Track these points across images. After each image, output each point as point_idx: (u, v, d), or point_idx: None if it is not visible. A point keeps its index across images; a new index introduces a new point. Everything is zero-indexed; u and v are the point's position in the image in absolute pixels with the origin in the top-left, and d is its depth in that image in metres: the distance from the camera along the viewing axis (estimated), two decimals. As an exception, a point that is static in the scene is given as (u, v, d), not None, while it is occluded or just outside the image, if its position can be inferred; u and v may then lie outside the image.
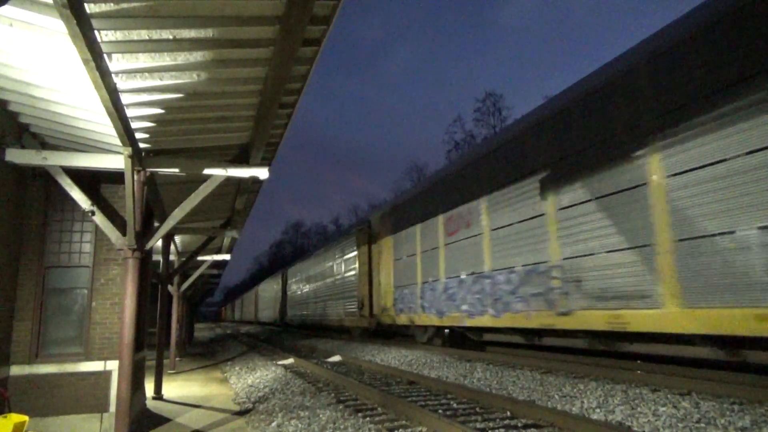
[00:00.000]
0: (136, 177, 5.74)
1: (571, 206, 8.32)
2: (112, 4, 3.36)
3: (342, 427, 5.75)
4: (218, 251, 15.44)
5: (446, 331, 13.49)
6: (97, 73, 3.69)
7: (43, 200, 6.60)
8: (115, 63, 4.02)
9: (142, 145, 5.79)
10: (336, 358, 13.66)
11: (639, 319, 6.88)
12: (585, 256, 7.92)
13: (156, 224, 8.46)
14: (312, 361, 12.93)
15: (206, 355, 19.87)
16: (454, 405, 6.71)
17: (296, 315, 30.01)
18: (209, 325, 78.72)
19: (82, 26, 3.18)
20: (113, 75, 4.13)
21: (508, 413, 6.01)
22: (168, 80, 4.36)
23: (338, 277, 21.04)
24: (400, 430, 5.52)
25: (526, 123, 9.90)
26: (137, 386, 7.28)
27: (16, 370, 6.13)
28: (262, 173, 6.51)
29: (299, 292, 29.52)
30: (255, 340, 26.21)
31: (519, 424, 5.51)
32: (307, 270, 27.79)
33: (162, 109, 4.94)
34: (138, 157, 5.64)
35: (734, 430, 4.69)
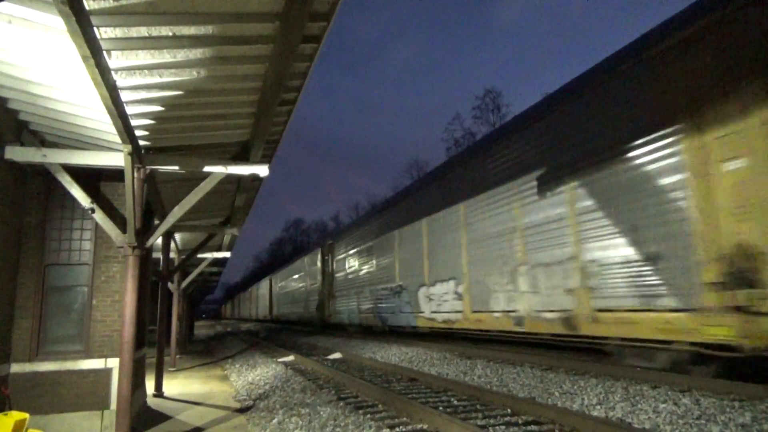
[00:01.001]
0: (136, 174, 5.73)
1: None
2: (111, 1, 3.35)
3: (343, 424, 5.76)
4: (218, 249, 15.45)
5: None
6: (97, 71, 3.67)
7: (43, 198, 6.60)
8: (115, 60, 4.01)
9: (141, 143, 5.77)
10: (336, 356, 13.67)
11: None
12: None
13: (156, 222, 8.46)
14: (312, 359, 12.94)
15: (206, 352, 19.90)
16: (455, 402, 6.71)
17: (363, 310, 17.83)
18: (209, 323, 78.86)
19: (81, 23, 3.17)
20: (113, 72, 4.11)
21: (509, 410, 6.02)
22: (168, 77, 4.35)
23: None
24: (401, 427, 5.53)
25: None
26: (138, 384, 7.29)
27: (16, 367, 6.13)
28: (262, 170, 6.50)
29: (370, 272, 17.24)
30: (255, 338, 26.23)
31: (519, 421, 5.52)
32: (407, 213, 14.54)
33: (162, 106, 4.93)
34: (138, 155, 5.63)
35: (734, 427, 4.70)
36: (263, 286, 44.46)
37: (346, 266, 20.44)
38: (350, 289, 19.66)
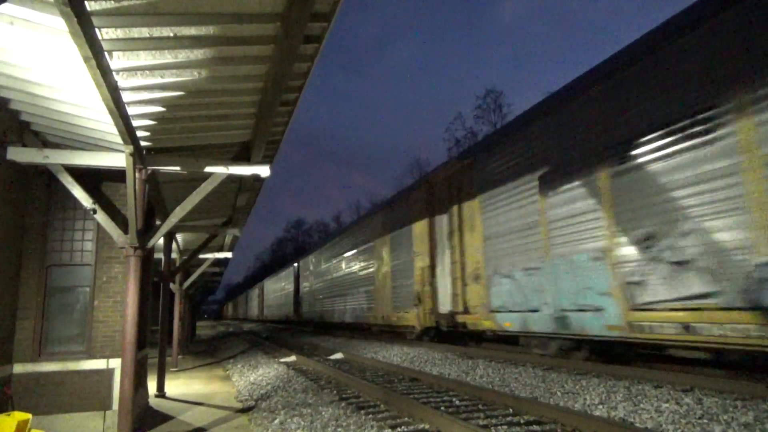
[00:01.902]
0: (137, 175, 5.74)
1: None
2: (112, 2, 3.35)
3: (344, 424, 5.76)
4: (220, 249, 15.46)
5: None
6: (98, 71, 3.68)
7: (45, 199, 6.61)
8: (116, 61, 4.01)
9: (143, 143, 5.79)
10: (338, 356, 13.67)
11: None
12: None
13: (158, 222, 8.47)
14: (314, 359, 12.95)
15: (208, 352, 19.92)
16: (457, 402, 6.71)
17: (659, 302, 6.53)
18: (211, 323, 79.02)
19: (83, 24, 3.18)
20: (114, 73, 4.12)
21: (511, 410, 6.01)
22: (169, 78, 4.36)
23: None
24: (403, 427, 5.52)
25: None
26: (140, 384, 7.30)
27: (19, 368, 6.15)
28: (264, 171, 6.51)
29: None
30: (257, 338, 26.26)
31: (521, 421, 5.51)
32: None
33: (163, 107, 4.94)
34: (139, 155, 5.64)
35: (737, 426, 4.69)
36: (280, 278, 35.43)
37: (574, 192, 8.18)
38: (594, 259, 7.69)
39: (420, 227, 13.26)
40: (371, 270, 16.90)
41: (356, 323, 18.29)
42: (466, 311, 11.09)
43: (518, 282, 9.38)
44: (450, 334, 12.65)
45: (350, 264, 19.48)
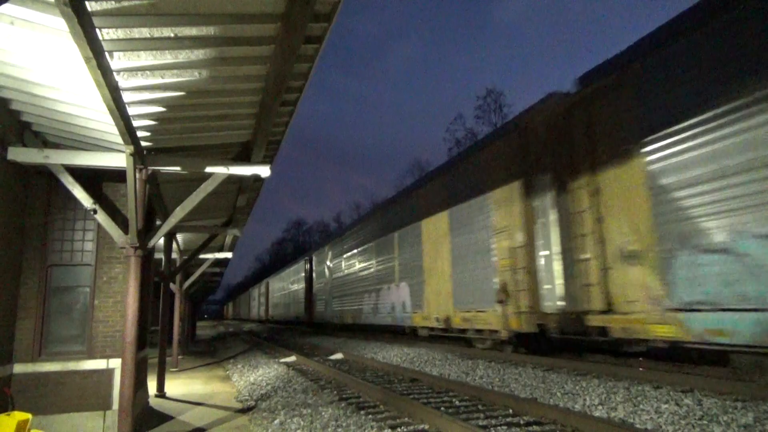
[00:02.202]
0: (137, 175, 5.74)
1: None
2: (113, 2, 3.36)
3: (344, 424, 5.76)
4: (220, 249, 15.46)
5: None
6: (99, 72, 3.68)
7: (46, 199, 6.61)
8: (117, 61, 4.02)
9: (143, 144, 5.78)
10: (338, 356, 13.68)
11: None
12: None
13: (158, 222, 8.48)
14: (314, 359, 12.95)
15: (208, 353, 19.92)
16: (456, 402, 6.71)
17: None
18: (211, 323, 79.09)
19: (84, 24, 3.18)
20: (115, 73, 4.12)
21: (511, 411, 6.01)
22: (169, 78, 4.36)
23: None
24: (403, 427, 5.53)
25: None
26: (140, 384, 7.30)
27: (19, 368, 6.15)
28: (264, 171, 6.51)
29: None
30: (257, 338, 26.25)
31: (521, 422, 5.51)
32: None
33: (163, 107, 4.94)
34: (140, 156, 5.64)
35: (737, 427, 4.69)
36: (289, 274, 31.87)
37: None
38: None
39: (504, 193, 9.85)
40: (416, 256, 13.36)
41: (393, 326, 14.58)
42: (609, 309, 7.52)
43: (748, 259, 5.67)
44: (564, 343, 9.16)
45: (383, 252, 15.66)
